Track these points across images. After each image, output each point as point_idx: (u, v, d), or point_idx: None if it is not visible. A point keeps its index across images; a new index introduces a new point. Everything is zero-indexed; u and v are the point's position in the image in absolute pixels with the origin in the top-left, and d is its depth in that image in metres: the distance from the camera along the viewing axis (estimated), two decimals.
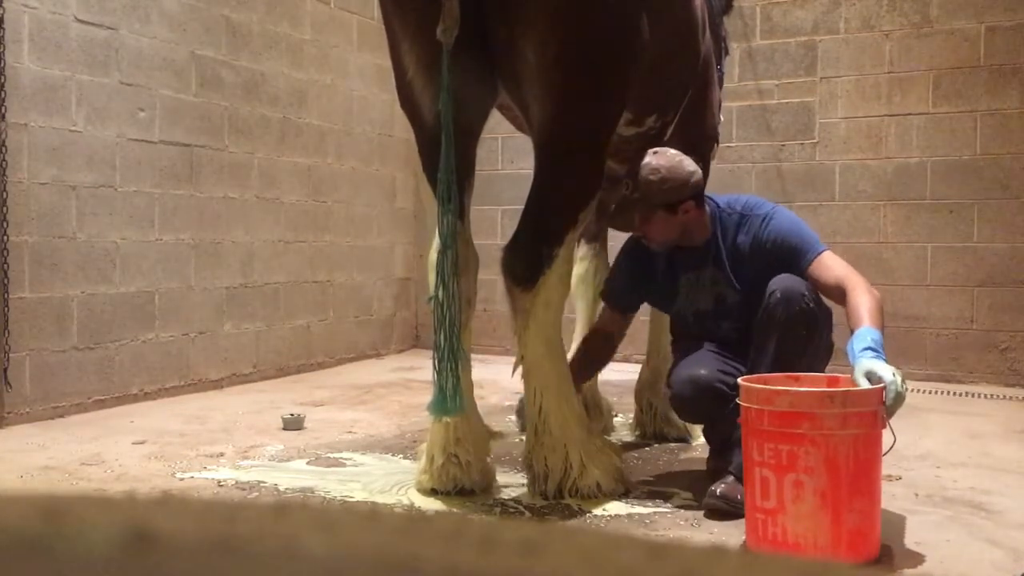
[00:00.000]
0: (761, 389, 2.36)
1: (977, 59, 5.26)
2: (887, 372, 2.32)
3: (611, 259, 4.23)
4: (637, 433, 3.84)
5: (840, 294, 2.67)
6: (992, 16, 5.23)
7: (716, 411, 2.84)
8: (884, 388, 2.30)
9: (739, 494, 2.61)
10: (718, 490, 2.73)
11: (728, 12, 4.19)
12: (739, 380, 2.46)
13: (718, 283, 2.93)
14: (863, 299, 2.58)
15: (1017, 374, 5.18)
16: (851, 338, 2.49)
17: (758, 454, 2.33)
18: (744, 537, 2.46)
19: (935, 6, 5.35)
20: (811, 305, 2.70)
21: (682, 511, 2.81)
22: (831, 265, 2.76)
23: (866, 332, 2.46)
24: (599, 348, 3.22)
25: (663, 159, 2.88)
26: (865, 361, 2.38)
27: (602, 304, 3.28)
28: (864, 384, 2.34)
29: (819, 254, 2.78)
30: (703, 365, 2.85)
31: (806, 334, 2.70)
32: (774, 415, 2.30)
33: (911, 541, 2.53)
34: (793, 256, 2.79)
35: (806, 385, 2.50)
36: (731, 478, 2.74)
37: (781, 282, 2.72)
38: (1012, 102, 5.19)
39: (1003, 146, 5.23)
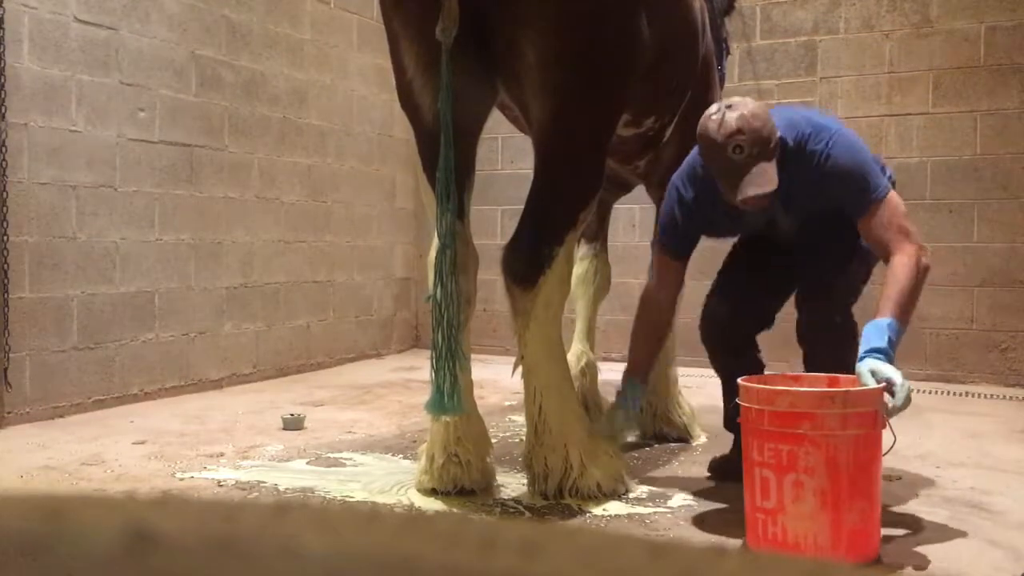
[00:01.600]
0: (761, 389, 2.36)
1: (977, 59, 5.26)
2: (895, 374, 2.32)
3: (611, 259, 4.24)
4: (637, 433, 3.84)
5: (884, 257, 2.60)
6: (992, 16, 5.23)
7: (734, 347, 2.99)
8: (884, 388, 2.30)
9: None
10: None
11: (729, 13, 4.19)
12: (739, 380, 2.46)
13: (772, 213, 2.84)
14: (898, 276, 2.50)
15: (1017, 374, 5.18)
16: (869, 325, 2.46)
17: (758, 454, 2.33)
18: (744, 537, 2.46)
19: (935, 6, 5.35)
20: (846, 320, 2.80)
21: (682, 511, 2.81)
22: (884, 221, 2.61)
23: (884, 328, 2.43)
24: (659, 316, 3.01)
25: (747, 108, 2.62)
26: (871, 361, 2.37)
27: (653, 263, 3.08)
28: (869, 383, 2.34)
29: (875, 203, 2.62)
30: (730, 302, 2.97)
31: (845, 342, 2.73)
32: (775, 415, 2.29)
33: (911, 541, 2.53)
34: (850, 199, 2.66)
35: (806, 385, 2.50)
36: None
37: (811, 312, 2.79)
38: (1012, 102, 5.19)
39: (1003, 146, 5.23)
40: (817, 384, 2.52)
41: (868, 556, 2.34)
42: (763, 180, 2.58)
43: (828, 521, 2.27)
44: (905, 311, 2.48)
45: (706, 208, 2.87)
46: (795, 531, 2.29)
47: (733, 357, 2.97)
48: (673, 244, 2.98)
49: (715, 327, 3.02)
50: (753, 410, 2.34)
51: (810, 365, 2.84)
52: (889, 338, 2.41)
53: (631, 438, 2.94)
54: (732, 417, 3.09)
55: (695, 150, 2.88)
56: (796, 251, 2.92)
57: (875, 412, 2.30)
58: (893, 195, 2.68)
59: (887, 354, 2.39)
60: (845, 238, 2.82)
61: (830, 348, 2.78)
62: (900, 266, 2.52)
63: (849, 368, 2.58)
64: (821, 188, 2.70)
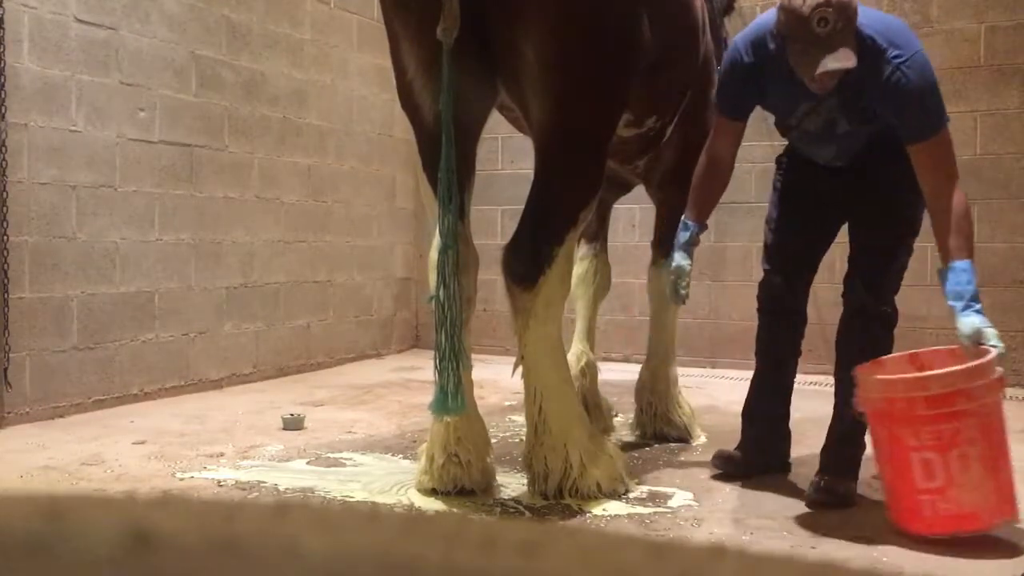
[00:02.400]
0: (912, 379, 2.49)
1: (977, 59, 5.26)
2: (993, 336, 2.45)
3: (611, 259, 4.24)
4: (637, 433, 3.84)
5: (935, 192, 2.66)
6: (992, 16, 5.22)
7: (791, 321, 3.14)
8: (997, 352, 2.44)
9: (842, 487, 2.82)
10: (822, 482, 2.85)
11: (729, 13, 4.19)
12: (874, 378, 2.58)
13: (832, 111, 2.85)
14: (963, 219, 2.60)
15: (1017, 374, 5.18)
16: (956, 270, 2.55)
17: (915, 440, 2.42)
18: (898, 522, 2.56)
19: (935, 6, 5.35)
20: (887, 311, 2.93)
21: (682, 511, 2.81)
22: (942, 156, 2.67)
23: (970, 272, 2.54)
24: (718, 171, 3.05)
25: None
26: (975, 319, 2.49)
27: (715, 125, 3.08)
28: (967, 343, 2.49)
29: (934, 133, 2.66)
30: (784, 274, 3.10)
31: (887, 332, 2.93)
32: (931, 399, 2.39)
33: (911, 541, 2.53)
34: (909, 122, 2.68)
35: (890, 367, 2.67)
36: (822, 475, 2.88)
37: (855, 301, 2.90)
38: (1012, 102, 5.19)
39: (1003, 146, 5.22)
40: (900, 363, 2.70)
41: (1018, 512, 2.49)
42: (843, 55, 2.56)
43: (993, 485, 2.42)
44: (973, 252, 2.61)
45: (764, 78, 2.87)
46: (969, 502, 2.42)
47: (787, 331, 3.14)
48: (727, 107, 3.01)
49: (773, 300, 3.14)
50: (901, 400, 2.44)
51: (844, 350, 2.93)
52: (969, 280, 2.54)
53: (684, 293, 2.99)
54: (753, 403, 3.20)
55: (764, 16, 2.89)
56: (850, 225, 3.07)
57: (1002, 375, 2.44)
58: (948, 131, 2.73)
59: (975, 303, 2.52)
60: (900, 220, 2.92)
61: (871, 337, 2.90)
62: (962, 208, 2.62)
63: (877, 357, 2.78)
64: (884, 101, 2.71)
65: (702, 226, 3.05)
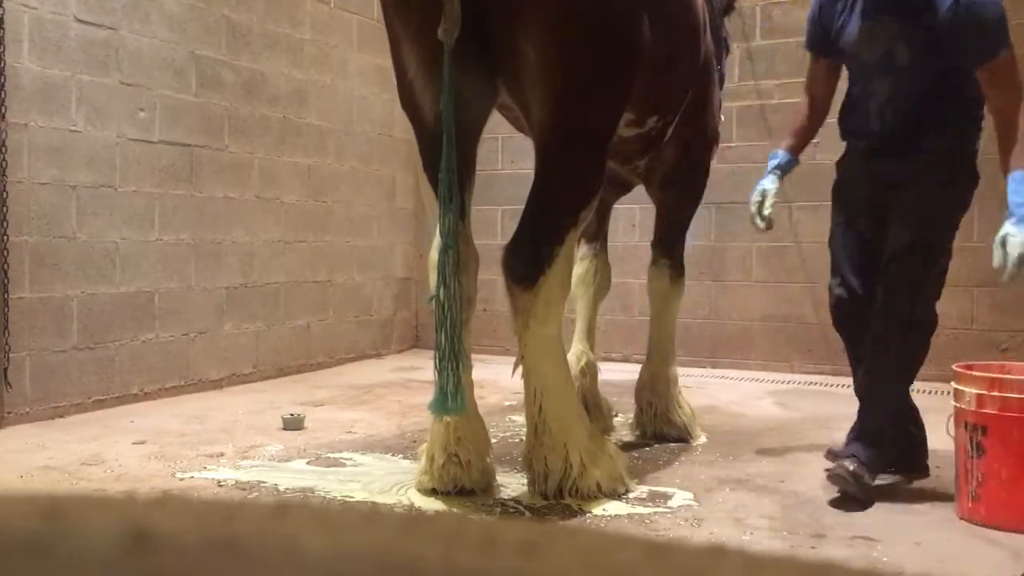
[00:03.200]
0: None
1: None
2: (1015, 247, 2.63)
3: (611, 259, 4.24)
4: (637, 433, 3.84)
5: (995, 116, 2.86)
6: None
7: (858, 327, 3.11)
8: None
9: (867, 478, 2.81)
10: (852, 466, 2.84)
11: (729, 12, 4.19)
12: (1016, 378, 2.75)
13: (893, 37, 2.93)
14: (1016, 136, 2.79)
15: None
16: (1014, 178, 2.77)
17: None
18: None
19: None
20: (929, 318, 2.99)
21: (682, 511, 2.81)
22: (998, 81, 2.82)
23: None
24: (812, 108, 3.28)
25: None
26: (1007, 226, 2.72)
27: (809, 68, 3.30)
28: (997, 254, 2.70)
29: (1001, 54, 2.79)
30: (850, 288, 3.09)
31: (922, 339, 2.99)
32: None
33: (911, 541, 2.53)
34: (977, 46, 2.82)
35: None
36: (856, 461, 2.86)
37: (896, 309, 2.92)
38: None
39: None
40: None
41: None
42: None
43: None
44: None
45: (831, 12, 3.06)
46: None
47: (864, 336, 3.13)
48: (813, 43, 3.23)
49: (839, 312, 3.17)
50: None
51: (880, 352, 2.94)
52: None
53: (768, 213, 3.09)
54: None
55: None
56: (891, 225, 3.08)
57: None
58: (1013, 53, 2.85)
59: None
60: (942, 219, 3.02)
61: (915, 344, 2.96)
62: (1009, 138, 2.83)
63: (912, 365, 2.91)
64: (951, 30, 2.80)
65: (793, 159, 3.20)
